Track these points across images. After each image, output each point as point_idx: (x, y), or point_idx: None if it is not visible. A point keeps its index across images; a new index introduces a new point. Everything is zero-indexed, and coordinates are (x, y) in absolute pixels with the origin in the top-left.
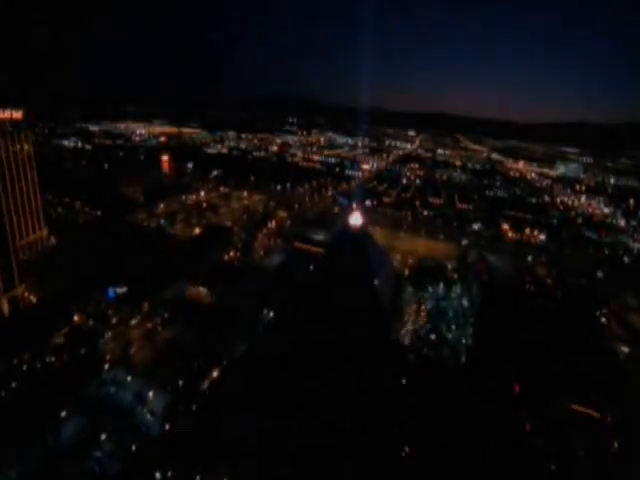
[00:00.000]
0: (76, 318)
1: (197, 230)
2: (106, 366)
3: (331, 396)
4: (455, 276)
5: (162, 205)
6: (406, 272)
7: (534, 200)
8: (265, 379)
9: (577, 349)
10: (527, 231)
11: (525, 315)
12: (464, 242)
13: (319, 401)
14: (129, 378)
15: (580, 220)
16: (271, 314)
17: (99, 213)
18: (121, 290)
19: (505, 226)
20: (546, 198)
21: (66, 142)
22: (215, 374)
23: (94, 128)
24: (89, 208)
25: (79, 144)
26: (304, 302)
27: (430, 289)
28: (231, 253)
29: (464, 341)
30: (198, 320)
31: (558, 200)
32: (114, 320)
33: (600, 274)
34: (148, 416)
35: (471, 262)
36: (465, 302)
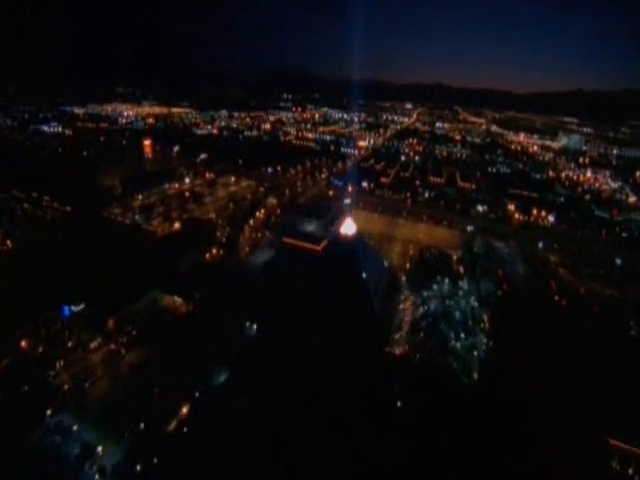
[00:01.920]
0: (24, 344)
1: (176, 225)
2: (54, 408)
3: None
4: (461, 269)
5: (140, 197)
6: (407, 266)
7: (538, 176)
8: (242, 418)
9: (608, 366)
10: (534, 212)
11: (545, 321)
12: (469, 228)
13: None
14: (78, 424)
15: (588, 197)
16: (254, 327)
17: (69, 209)
18: (77, 308)
19: (511, 207)
20: (550, 173)
21: (46, 127)
22: (185, 410)
23: (79, 111)
24: (59, 203)
25: (59, 129)
26: (291, 313)
27: (434, 287)
28: (213, 251)
29: (475, 353)
30: (170, 338)
31: (563, 175)
32: (70, 343)
33: (618, 261)
34: (96, 478)
35: (478, 252)
36: (474, 301)
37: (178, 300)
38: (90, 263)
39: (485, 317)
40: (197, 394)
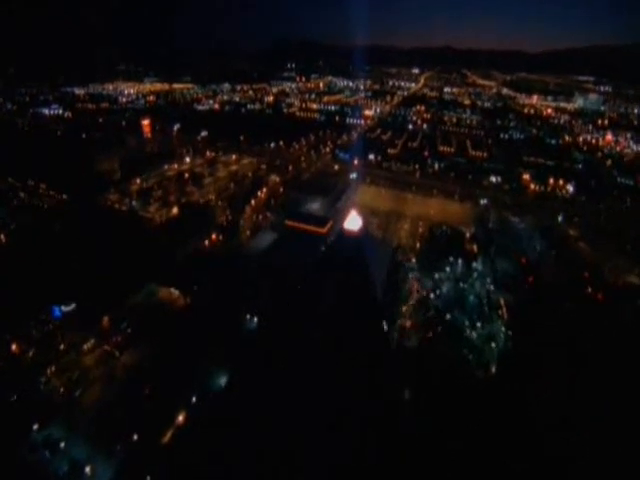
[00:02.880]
0: (14, 347)
1: (175, 210)
2: (43, 420)
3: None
4: (474, 247)
5: (138, 180)
6: (417, 245)
7: (554, 141)
8: (243, 428)
9: None
10: (551, 181)
11: (572, 308)
12: (482, 201)
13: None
14: (68, 438)
15: (609, 163)
16: (255, 320)
17: (65, 197)
18: (67, 308)
19: (526, 176)
20: (567, 138)
21: (46, 110)
22: (181, 418)
23: (80, 91)
24: (55, 191)
25: (60, 111)
26: (292, 305)
27: (446, 268)
28: (213, 236)
29: (493, 344)
30: (166, 336)
31: (580, 139)
32: (62, 346)
33: None
34: None
35: (492, 228)
36: (489, 284)
37: (175, 293)
38: (84, 256)
39: (502, 302)
40: (194, 399)
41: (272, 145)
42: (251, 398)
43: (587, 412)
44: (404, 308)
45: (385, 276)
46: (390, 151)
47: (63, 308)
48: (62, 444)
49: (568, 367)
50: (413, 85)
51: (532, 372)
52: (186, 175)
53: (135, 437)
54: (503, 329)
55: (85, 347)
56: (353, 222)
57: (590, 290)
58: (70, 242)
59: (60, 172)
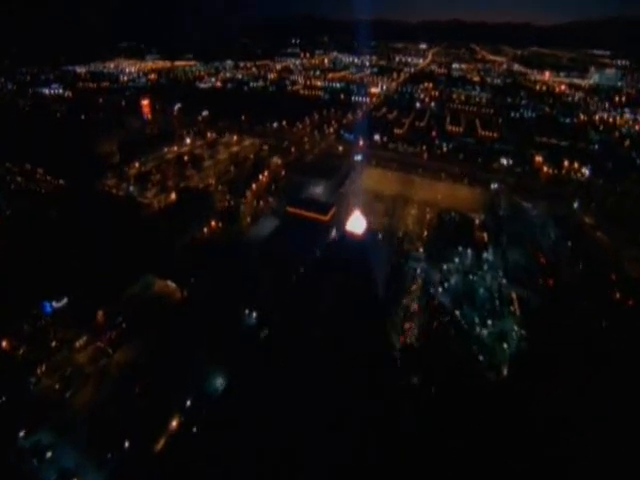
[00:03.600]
0: (4, 344)
1: (173, 196)
2: (31, 425)
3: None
4: (485, 236)
5: (137, 164)
6: (425, 233)
7: (568, 120)
8: (242, 428)
9: None
10: (565, 163)
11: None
12: (493, 186)
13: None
14: (57, 445)
15: (627, 143)
16: (254, 315)
17: (62, 182)
18: (58, 304)
19: (538, 158)
20: (582, 116)
21: (46, 90)
22: (176, 423)
23: (81, 70)
24: (52, 176)
25: (60, 91)
26: (292, 302)
27: (455, 259)
28: (212, 223)
29: (505, 345)
30: (162, 332)
31: (596, 118)
32: (54, 343)
33: None
34: None
35: (503, 215)
36: (501, 277)
37: (172, 285)
38: (79, 246)
39: (514, 296)
40: (190, 402)
41: (275, 125)
42: (250, 398)
43: (604, 424)
44: (407, 305)
45: (389, 273)
46: (396, 131)
47: (54, 304)
48: (53, 448)
49: (585, 371)
50: (420, 61)
51: (546, 375)
52: (186, 158)
53: (127, 444)
54: (516, 328)
55: (77, 344)
56: (356, 223)
57: (610, 286)
58: (65, 231)
59: (58, 155)
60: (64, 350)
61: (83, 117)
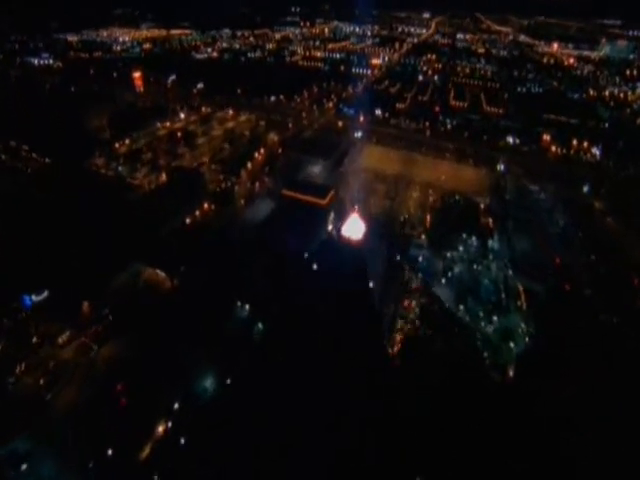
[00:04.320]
0: None
1: (164, 176)
2: (8, 431)
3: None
4: (490, 222)
5: (127, 141)
6: (427, 218)
7: (576, 96)
8: (236, 429)
9: None
10: (574, 143)
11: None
12: (499, 167)
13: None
14: (35, 452)
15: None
16: (247, 308)
17: (49, 160)
18: (38, 297)
19: (546, 137)
20: (591, 92)
21: (35, 60)
22: (161, 429)
23: (73, 38)
24: (38, 153)
25: (50, 61)
26: (288, 297)
27: (460, 247)
28: (205, 205)
29: (512, 344)
30: (150, 325)
31: (607, 93)
32: (35, 339)
33: None
34: None
35: (510, 199)
36: (507, 268)
37: (160, 274)
38: (64, 231)
39: (521, 289)
40: (179, 404)
41: (272, 99)
42: (242, 398)
43: (612, 425)
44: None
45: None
46: (398, 106)
47: (34, 297)
48: (32, 456)
49: (596, 371)
50: (424, 31)
51: (554, 376)
52: (178, 134)
53: (111, 451)
54: (523, 325)
55: (60, 340)
56: (354, 227)
57: (622, 279)
58: (49, 215)
59: (45, 131)
60: (46, 346)
61: (73, 89)
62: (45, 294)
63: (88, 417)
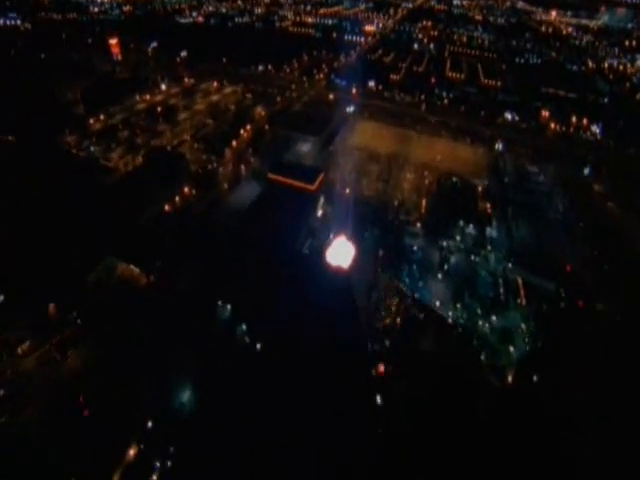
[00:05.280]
0: None
1: (141, 157)
2: None
3: None
4: (488, 207)
5: (102, 116)
6: (423, 203)
7: (575, 67)
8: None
9: None
10: (574, 120)
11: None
12: (497, 146)
13: None
14: None
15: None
16: (228, 308)
17: (11, 138)
18: None
19: (545, 113)
20: (590, 63)
21: (1, 20)
22: (132, 452)
23: None
24: (1, 132)
25: (17, 22)
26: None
27: (457, 237)
28: (185, 189)
29: (511, 348)
30: (122, 330)
31: (606, 65)
32: None
33: None
34: None
35: (509, 181)
36: (505, 260)
37: (135, 270)
38: (25, 222)
39: (520, 282)
40: (150, 424)
41: (260, 68)
42: (224, 413)
43: (614, 427)
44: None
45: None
46: (393, 77)
47: None
48: None
49: (601, 374)
50: None
51: (555, 380)
52: (158, 109)
53: None
54: (523, 325)
55: (20, 350)
56: (341, 252)
57: (625, 272)
58: (10, 202)
59: (9, 104)
60: (3, 357)
61: (42, 56)
62: (0, 298)
63: (48, 441)
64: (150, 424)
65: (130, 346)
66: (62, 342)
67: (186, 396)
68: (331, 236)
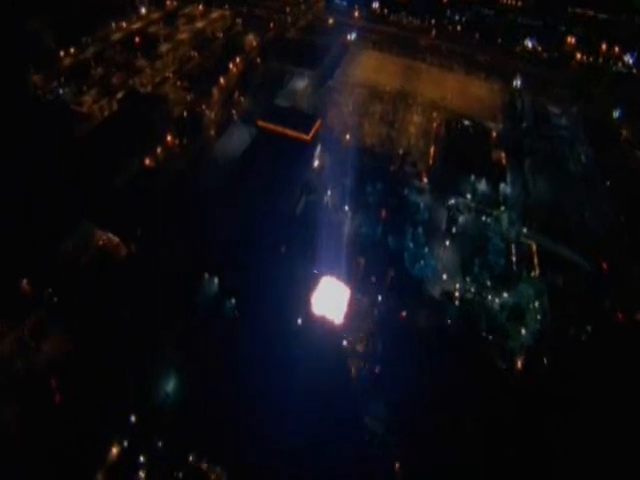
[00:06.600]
0: None
1: (117, 101)
2: None
3: None
4: (503, 157)
5: (72, 50)
6: (431, 152)
7: None
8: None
9: None
10: (603, 47)
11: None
12: (515, 82)
13: None
14: None
15: None
16: (215, 282)
17: None
18: None
19: (571, 40)
20: None
21: None
22: (115, 451)
23: None
24: None
25: None
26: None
27: (468, 195)
28: (168, 138)
29: (522, 328)
30: (100, 314)
31: None
32: None
33: None
34: None
35: (527, 126)
36: (521, 221)
37: (114, 239)
38: None
39: (534, 249)
40: (134, 418)
41: None
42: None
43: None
44: None
45: None
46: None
47: None
48: None
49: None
50: None
51: (569, 366)
52: (137, 39)
53: None
54: (536, 303)
55: None
56: (331, 297)
57: None
58: None
59: None
60: None
61: None
62: None
63: (23, 442)
64: (133, 418)
65: (111, 331)
66: (37, 325)
67: (171, 385)
68: (315, 271)
